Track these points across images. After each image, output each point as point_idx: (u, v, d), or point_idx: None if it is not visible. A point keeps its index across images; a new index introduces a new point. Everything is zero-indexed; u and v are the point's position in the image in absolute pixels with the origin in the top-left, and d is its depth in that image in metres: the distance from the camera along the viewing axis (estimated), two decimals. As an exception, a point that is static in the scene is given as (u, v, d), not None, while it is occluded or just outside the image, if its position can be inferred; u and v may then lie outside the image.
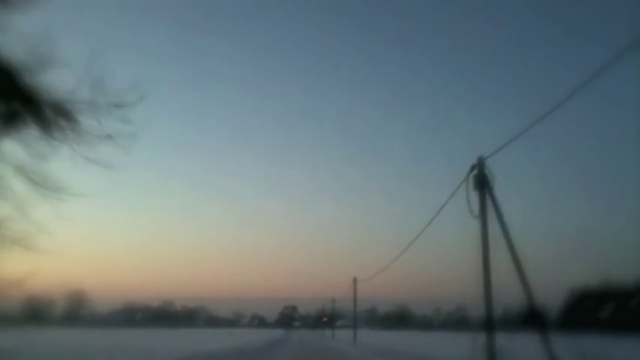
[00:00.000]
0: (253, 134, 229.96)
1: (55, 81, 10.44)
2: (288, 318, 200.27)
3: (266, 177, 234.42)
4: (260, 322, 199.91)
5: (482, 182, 14.45)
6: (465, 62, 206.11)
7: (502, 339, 14.97)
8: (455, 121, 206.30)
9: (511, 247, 14.21)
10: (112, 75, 10.78)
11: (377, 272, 34.91)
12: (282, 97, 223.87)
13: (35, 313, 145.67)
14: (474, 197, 14.79)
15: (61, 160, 11.34)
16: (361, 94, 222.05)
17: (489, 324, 14.56)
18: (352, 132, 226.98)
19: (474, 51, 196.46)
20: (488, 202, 14.64)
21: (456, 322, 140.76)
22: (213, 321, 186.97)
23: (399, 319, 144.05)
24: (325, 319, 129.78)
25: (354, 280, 41.65)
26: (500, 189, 14.58)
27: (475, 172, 14.66)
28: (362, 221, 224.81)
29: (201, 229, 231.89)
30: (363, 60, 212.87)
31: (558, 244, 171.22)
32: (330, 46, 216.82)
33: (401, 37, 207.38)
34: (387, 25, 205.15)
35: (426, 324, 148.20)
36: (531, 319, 14.42)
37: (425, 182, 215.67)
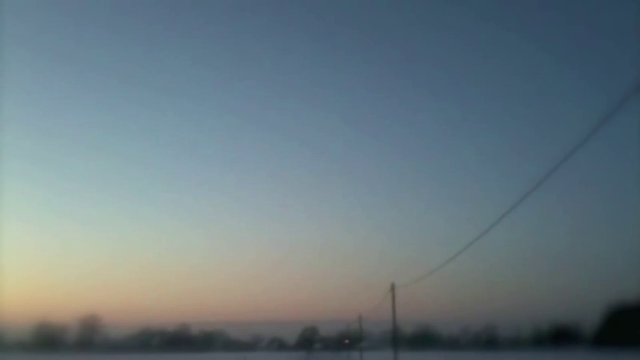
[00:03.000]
0: (265, 151, 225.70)
1: None
2: (309, 341, 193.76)
3: (285, 198, 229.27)
4: (279, 345, 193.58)
5: None
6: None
7: None
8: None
9: None
10: None
11: (419, 277, 29.97)
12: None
13: (48, 339, 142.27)
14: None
15: None
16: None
17: None
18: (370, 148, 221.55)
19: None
20: None
21: (486, 342, 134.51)
22: (230, 345, 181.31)
23: (425, 339, 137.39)
24: (347, 340, 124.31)
25: (392, 287, 35.33)
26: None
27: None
28: (381, 242, 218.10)
29: (219, 252, 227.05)
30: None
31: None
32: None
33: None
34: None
35: (452, 344, 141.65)
36: None
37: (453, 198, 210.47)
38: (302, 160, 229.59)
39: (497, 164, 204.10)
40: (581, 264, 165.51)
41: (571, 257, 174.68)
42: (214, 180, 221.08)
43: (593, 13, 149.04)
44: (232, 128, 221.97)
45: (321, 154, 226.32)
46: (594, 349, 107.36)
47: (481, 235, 22.24)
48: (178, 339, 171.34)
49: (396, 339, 38.31)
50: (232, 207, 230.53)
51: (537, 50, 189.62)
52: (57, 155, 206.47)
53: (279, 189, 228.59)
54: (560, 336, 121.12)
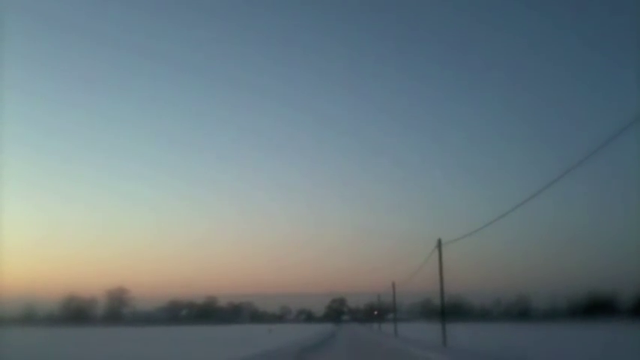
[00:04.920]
0: (292, 124, 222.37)
1: None
2: (337, 312, 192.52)
3: (312, 171, 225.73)
4: (307, 316, 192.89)
5: None
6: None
7: None
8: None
9: None
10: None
11: (466, 234, 27.69)
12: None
13: (77, 312, 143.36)
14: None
15: None
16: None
17: None
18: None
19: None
20: None
21: (518, 313, 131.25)
22: (258, 317, 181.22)
23: (457, 311, 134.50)
24: (376, 312, 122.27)
25: (439, 243, 31.60)
26: None
27: None
28: (410, 214, 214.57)
29: (247, 224, 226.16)
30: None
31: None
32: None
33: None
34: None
35: (484, 316, 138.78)
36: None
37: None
38: (328, 135, 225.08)
39: (533, 137, 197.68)
40: (619, 232, 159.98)
41: (609, 225, 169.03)
42: (242, 154, 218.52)
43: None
44: (263, 105, 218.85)
45: (346, 132, 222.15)
46: (633, 321, 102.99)
47: (520, 205, 21.86)
48: (206, 311, 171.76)
49: (443, 304, 31.90)
50: (260, 180, 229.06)
51: (569, 36, 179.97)
52: (90, 131, 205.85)
53: (308, 162, 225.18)
54: (597, 307, 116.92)
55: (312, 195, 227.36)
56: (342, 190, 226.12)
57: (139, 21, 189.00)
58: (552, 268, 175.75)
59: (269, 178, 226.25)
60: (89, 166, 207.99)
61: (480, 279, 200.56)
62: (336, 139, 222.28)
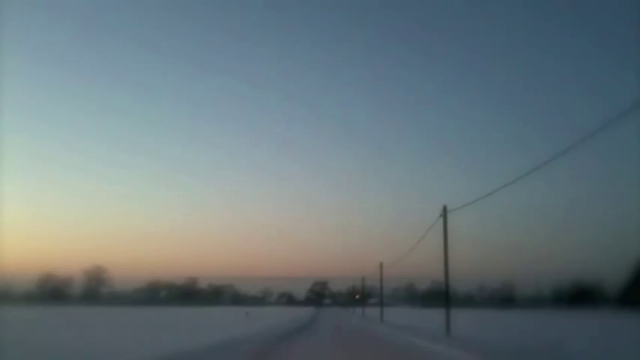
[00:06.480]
0: (274, 109, 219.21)
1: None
2: (318, 295, 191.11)
3: (295, 155, 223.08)
4: (288, 300, 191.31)
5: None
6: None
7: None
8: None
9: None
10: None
11: (473, 200, 25.15)
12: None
13: (53, 291, 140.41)
14: None
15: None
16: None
17: None
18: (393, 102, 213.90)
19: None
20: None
21: (502, 299, 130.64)
22: (239, 299, 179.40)
23: (440, 296, 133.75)
24: (358, 296, 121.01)
25: (444, 209, 28.94)
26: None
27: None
28: (391, 202, 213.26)
29: (228, 207, 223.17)
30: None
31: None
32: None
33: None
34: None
35: (467, 301, 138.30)
36: None
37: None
38: (310, 119, 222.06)
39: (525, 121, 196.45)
40: (605, 220, 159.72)
41: (595, 213, 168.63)
42: (225, 137, 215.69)
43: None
44: (246, 90, 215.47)
45: (327, 115, 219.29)
46: (619, 309, 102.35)
47: (501, 187, 21.73)
48: (186, 293, 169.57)
49: (448, 283, 28.94)
50: (243, 163, 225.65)
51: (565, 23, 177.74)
52: (61, 109, 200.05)
53: (289, 145, 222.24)
54: (583, 295, 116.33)
55: (294, 178, 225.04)
56: (325, 174, 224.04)
57: (138, 11, 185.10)
58: (537, 255, 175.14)
59: (250, 161, 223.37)
60: (68, 147, 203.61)
61: (463, 264, 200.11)
62: (318, 122, 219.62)
